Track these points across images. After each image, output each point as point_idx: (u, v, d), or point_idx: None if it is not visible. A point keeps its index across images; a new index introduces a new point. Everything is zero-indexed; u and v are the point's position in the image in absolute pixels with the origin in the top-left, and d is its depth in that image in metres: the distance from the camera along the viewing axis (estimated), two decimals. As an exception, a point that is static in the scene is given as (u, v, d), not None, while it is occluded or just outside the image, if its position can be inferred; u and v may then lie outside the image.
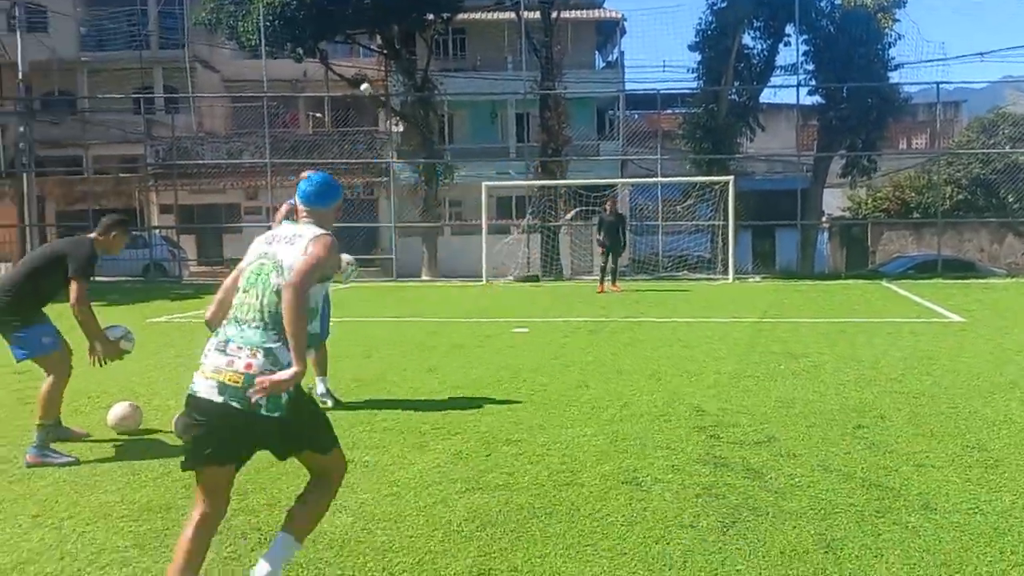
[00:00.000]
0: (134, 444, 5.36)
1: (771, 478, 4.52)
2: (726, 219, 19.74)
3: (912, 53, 28.35)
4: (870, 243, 28.08)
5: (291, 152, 25.56)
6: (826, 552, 3.54)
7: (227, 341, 2.93)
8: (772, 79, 23.61)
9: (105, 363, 5.22)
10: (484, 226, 20.42)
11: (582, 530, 3.82)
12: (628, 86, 29.47)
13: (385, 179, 25.16)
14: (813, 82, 22.49)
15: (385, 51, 23.31)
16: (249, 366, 2.86)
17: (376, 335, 10.41)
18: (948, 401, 6.30)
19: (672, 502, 4.18)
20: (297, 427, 2.98)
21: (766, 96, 25.23)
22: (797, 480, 4.48)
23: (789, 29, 22.30)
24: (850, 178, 23.54)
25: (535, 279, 20.71)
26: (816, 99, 23.13)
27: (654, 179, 22.63)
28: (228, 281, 3.17)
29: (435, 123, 24.55)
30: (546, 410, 6.21)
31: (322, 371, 6.41)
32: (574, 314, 12.70)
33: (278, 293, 2.92)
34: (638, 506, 4.13)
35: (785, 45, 22.85)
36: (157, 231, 25.19)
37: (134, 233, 24.58)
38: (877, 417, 5.84)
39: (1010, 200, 24.07)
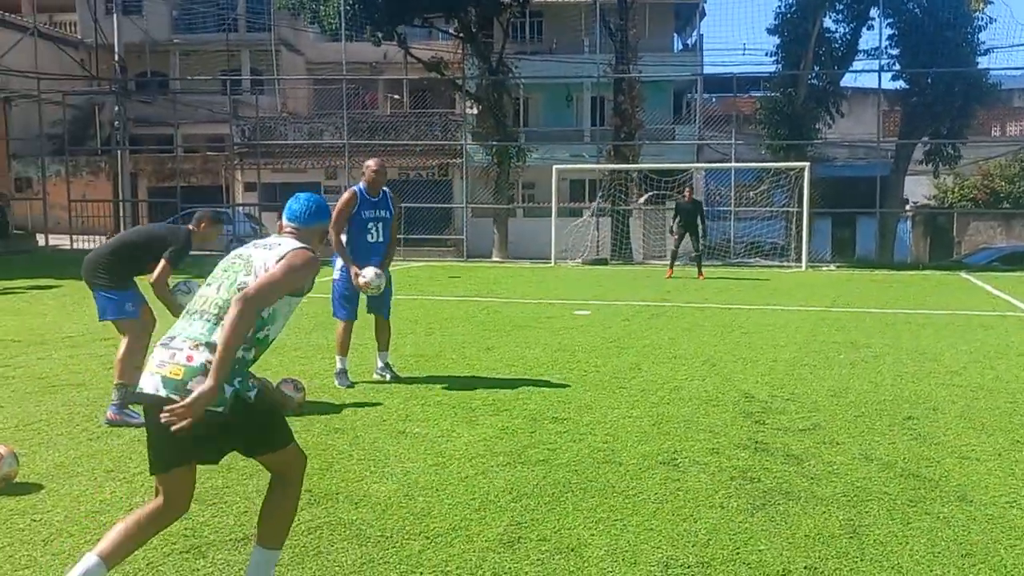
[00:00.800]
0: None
1: (810, 464, 4.58)
2: (800, 206, 19.37)
3: (1004, 37, 27.07)
4: (955, 233, 27.13)
5: (368, 133, 26.14)
6: (851, 537, 3.60)
7: (172, 336, 2.83)
8: (854, 63, 22.92)
9: None
10: (554, 208, 20.55)
11: (614, 506, 3.96)
12: (706, 69, 29.01)
13: (459, 161, 25.49)
14: (897, 67, 21.74)
15: (461, 35, 23.55)
16: (190, 358, 2.75)
17: (441, 313, 10.69)
18: (1008, 396, 6.19)
19: (706, 483, 4.28)
20: (247, 428, 2.85)
21: (848, 81, 24.52)
22: (835, 467, 4.52)
23: (873, 12, 21.59)
24: (932, 166, 22.71)
25: (603, 262, 20.76)
26: (900, 84, 22.37)
27: (727, 164, 22.32)
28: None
29: (509, 106, 24.74)
30: (596, 391, 6.35)
31: (383, 346, 6.67)
32: (638, 298, 12.74)
33: (240, 289, 2.81)
34: (672, 486, 4.24)
35: (868, 28, 22.17)
36: (240, 208, 26.13)
37: (219, 210, 25.61)
38: (929, 409, 5.79)
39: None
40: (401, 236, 22.80)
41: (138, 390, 2.82)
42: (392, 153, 26.51)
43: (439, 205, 25.05)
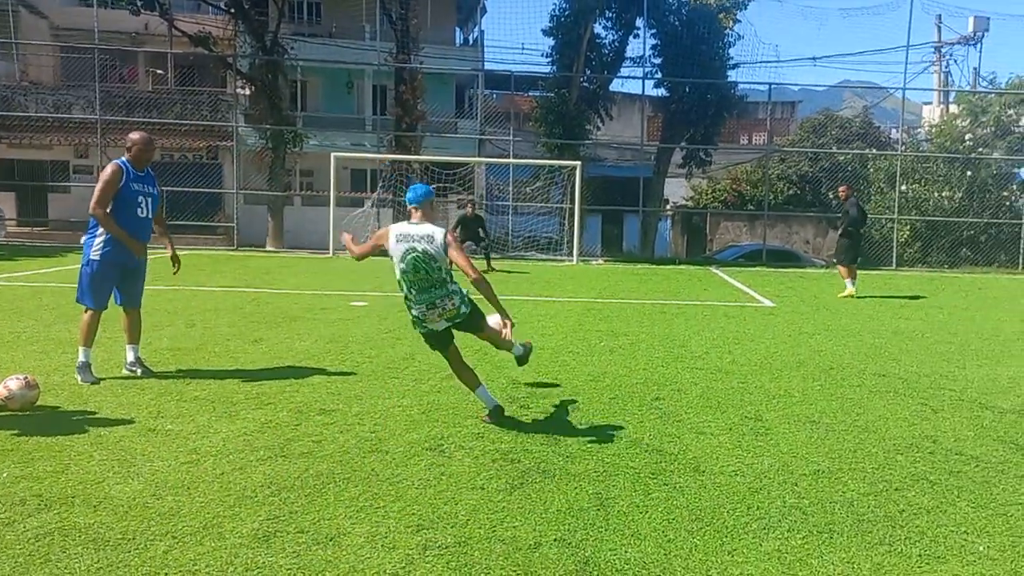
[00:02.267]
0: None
1: (566, 444, 4.82)
2: (573, 203, 20.35)
3: (749, 54, 30.07)
4: (708, 231, 29.74)
5: (126, 109, 24.11)
6: (599, 509, 3.84)
7: (431, 303, 5.07)
8: (622, 70, 24.40)
9: None
10: (332, 197, 20.11)
11: (376, 493, 3.95)
12: (487, 66, 29.66)
13: (230, 143, 24.22)
14: (658, 75, 23.44)
15: (232, 10, 22.34)
16: (452, 303, 5.09)
17: (204, 304, 10.10)
18: (740, 377, 6.88)
19: (469, 466, 4.38)
20: (473, 319, 5.23)
21: (616, 86, 26.09)
22: (588, 446, 4.79)
23: (639, 22, 23.11)
24: (688, 169, 24.76)
25: (384, 253, 20.60)
26: (662, 92, 24.12)
27: (505, 160, 22.96)
28: (367, 244, 5.53)
29: (285, 89, 23.83)
30: (368, 381, 6.30)
31: (133, 339, 6.20)
32: (415, 289, 12.76)
33: (439, 269, 5.05)
34: (437, 471, 4.30)
35: (635, 37, 23.67)
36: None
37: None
38: (674, 390, 6.30)
39: (831, 196, 26.04)
40: (167, 222, 21.28)
41: (430, 330, 5.19)
42: (154, 132, 24.58)
43: (207, 190, 23.64)
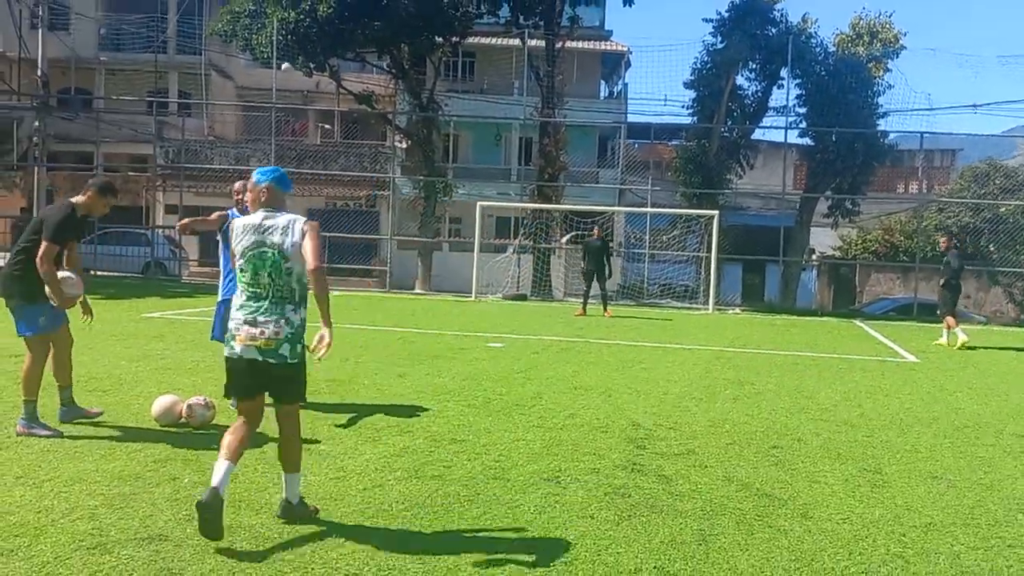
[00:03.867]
0: (113, 424, 5.92)
1: (677, 484, 5.07)
2: (710, 251, 20.34)
3: (900, 102, 29.04)
4: (857, 283, 28.67)
5: (297, 161, 26.27)
6: (700, 544, 4.09)
7: (254, 317, 3.93)
8: (764, 119, 24.28)
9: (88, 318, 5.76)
10: (477, 243, 21.04)
11: (495, 515, 4.37)
12: (629, 117, 30.22)
13: (387, 192, 25.84)
14: (803, 124, 23.15)
15: (393, 70, 24.04)
16: (278, 333, 3.94)
17: (356, 341, 10.97)
18: (866, 431, 6.85)
19: (583, 498, 4.73)
20: (286, 377, 4.04)
21: (759, 135, 25.93)
22: (699, 487, 5.03)
23: (783, 72, 23.00)
24: (833, 219, 24.15)
25: (523, 298, 21.30)
26: (806, 141, 23.77)
27: (643, 209, 23.25)
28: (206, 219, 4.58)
29: (438, 142, 25.27)
30: (497, 416, 6.76)
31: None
32: (550, 333, 13.25)
33: (288, 272, 3.95)
34: (551, 499, 4.68)
35: (778, 87, 23.56)
36: (160, 230, 25.82)
37: (138, 230, 25.25)
38: (794, 440, 6.39)
39: (991, 250, 24.59)
40: (325, 265, 22.95)
41: (235, 352, 3.94)
42: (320, 182, 26.66)
43: (365, 236, 25.27)
